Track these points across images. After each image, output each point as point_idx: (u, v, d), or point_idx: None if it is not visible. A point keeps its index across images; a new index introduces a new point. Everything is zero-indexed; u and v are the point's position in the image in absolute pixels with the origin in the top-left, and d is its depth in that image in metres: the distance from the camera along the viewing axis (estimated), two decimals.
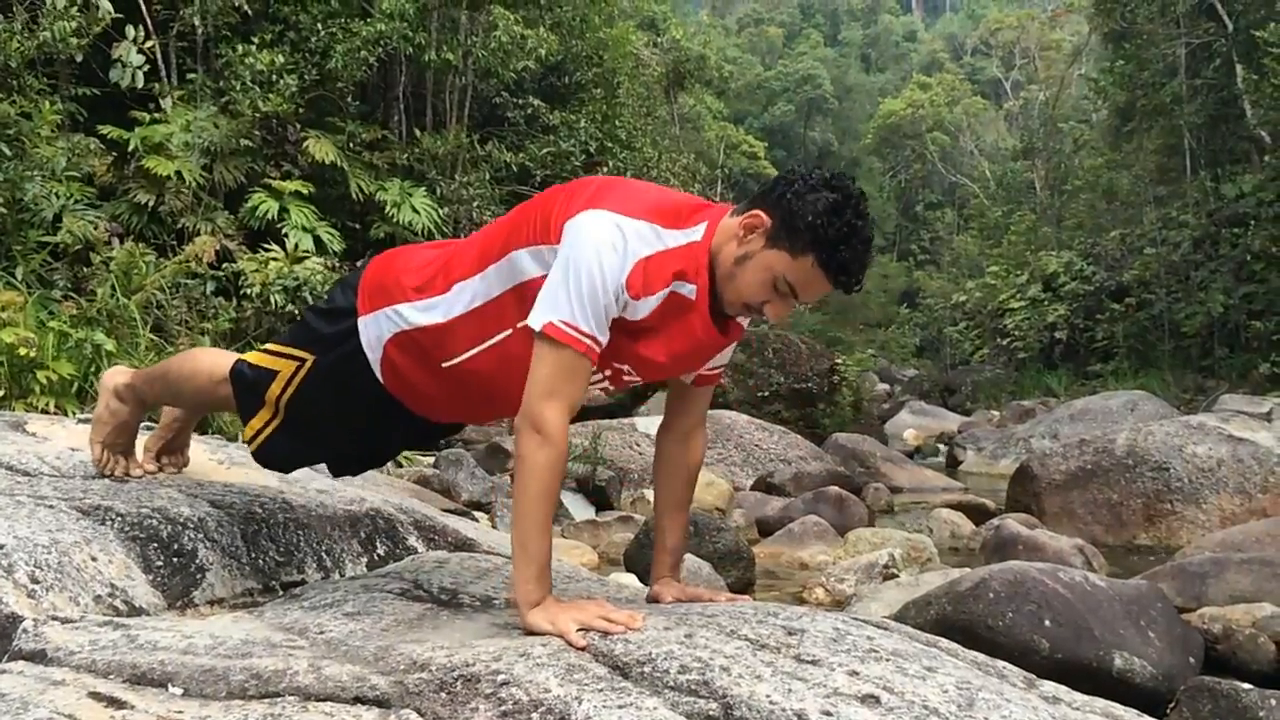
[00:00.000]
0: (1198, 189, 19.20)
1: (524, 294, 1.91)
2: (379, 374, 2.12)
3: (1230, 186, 18.38)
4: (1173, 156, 20.40)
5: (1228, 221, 18.13)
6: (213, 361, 2.36)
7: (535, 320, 1.82)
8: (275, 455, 2.33)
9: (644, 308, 1.86)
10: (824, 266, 1.81)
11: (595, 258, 1.79)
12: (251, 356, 2.26)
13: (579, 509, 7.28)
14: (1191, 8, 19.35)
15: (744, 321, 2.05)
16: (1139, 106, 20.88)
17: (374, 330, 2.09)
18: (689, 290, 1.87)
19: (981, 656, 1.91)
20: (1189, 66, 19.49)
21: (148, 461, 2.64)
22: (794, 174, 1.87)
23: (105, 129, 9.63)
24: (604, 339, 1.83)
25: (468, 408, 2.23)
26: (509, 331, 1.95)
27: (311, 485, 2.90)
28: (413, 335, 2.05)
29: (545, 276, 1.86)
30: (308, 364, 2.17)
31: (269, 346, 2.26)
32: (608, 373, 1.99)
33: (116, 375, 2.56)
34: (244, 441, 2.30)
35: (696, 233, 1.89)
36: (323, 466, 2.55)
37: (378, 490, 3.27)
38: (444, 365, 2.02)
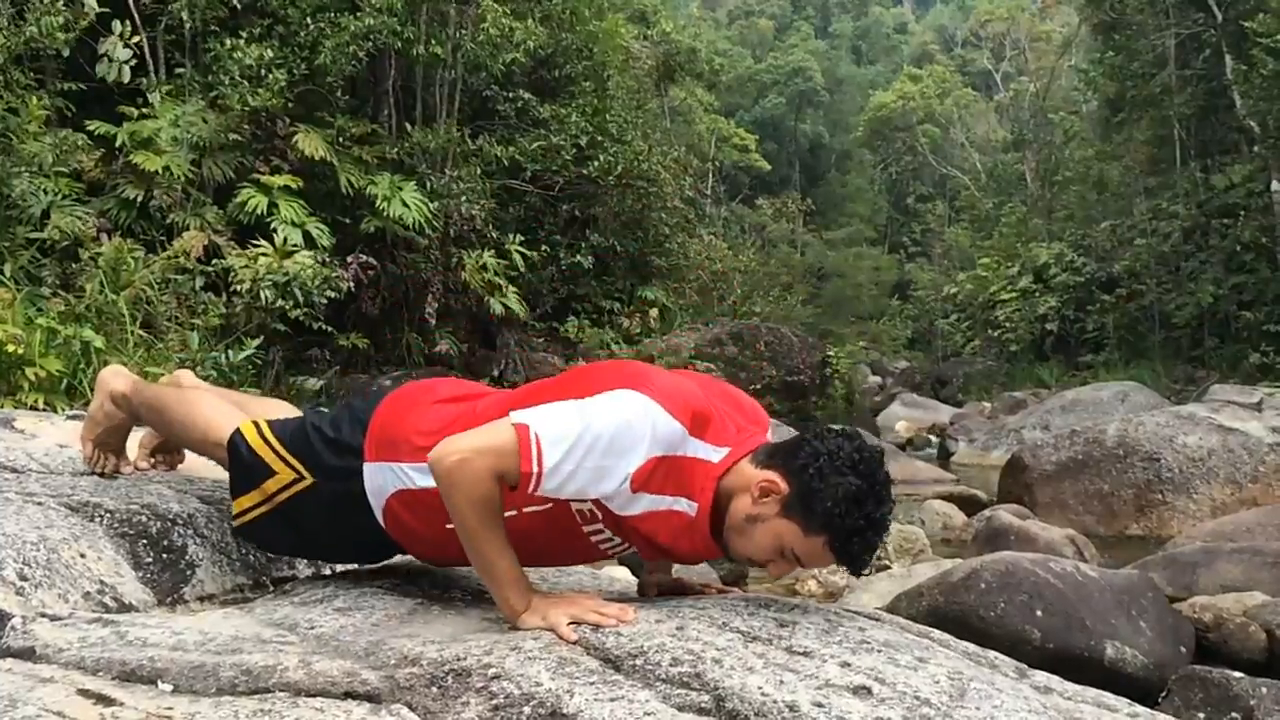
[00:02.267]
0: (1188, 180, 19.24)
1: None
2: (380, 520, 2.07)
3: (1220, 177, 18.44)
4: (1163, 147, 20.43)
5: (1218, 212, 18.18)
6: (211, 420, 2.26)
7: (518, 415, 1.77)
8: (261, 538, 2.30)
9: (638, 505, 1.80)
10: (834, 551, 1.76)
11: (614, 430, 1.73)
12: (250, 434, 2.16)
13: None
14: None
15: None
16: (1129, 98, 20.91)
17: (379, 480, 2.04)
18: (688, 508, 1.82)
19: (973, 647, 1.91)
20: (1178, 57, 19.51)
21: (140, 459, 2.63)
22: (821, 443, 1.78)
23: (93, 124, 9.57)
24: (555, 494, 1.77)
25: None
26: (514, 513, 1.86)
27: None
28: (418, 495, 1.98)
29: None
30: (307, 483, 2.11)
31: (269, 437, 2.16)
32: (620, 539, 1.94)
33: (116, 380, 2.49)
34: (230, 516, 2.23)
35: (715, 454, 1.83)
36: None
37: None
38: (448, 527, 1.88)
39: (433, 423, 1.99)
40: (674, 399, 1.80)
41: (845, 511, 1.71)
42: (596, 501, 1.83)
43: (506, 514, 1.82)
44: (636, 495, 1.79)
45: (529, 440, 1.72)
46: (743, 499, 1.79)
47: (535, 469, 1.72)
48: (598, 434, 1.73)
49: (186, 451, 2.74)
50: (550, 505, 1.86)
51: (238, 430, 2.18)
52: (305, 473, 2.11)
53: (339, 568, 2.54)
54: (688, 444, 1.80)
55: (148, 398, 2.44)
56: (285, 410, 2.45)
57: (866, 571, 1.84)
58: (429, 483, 1.88)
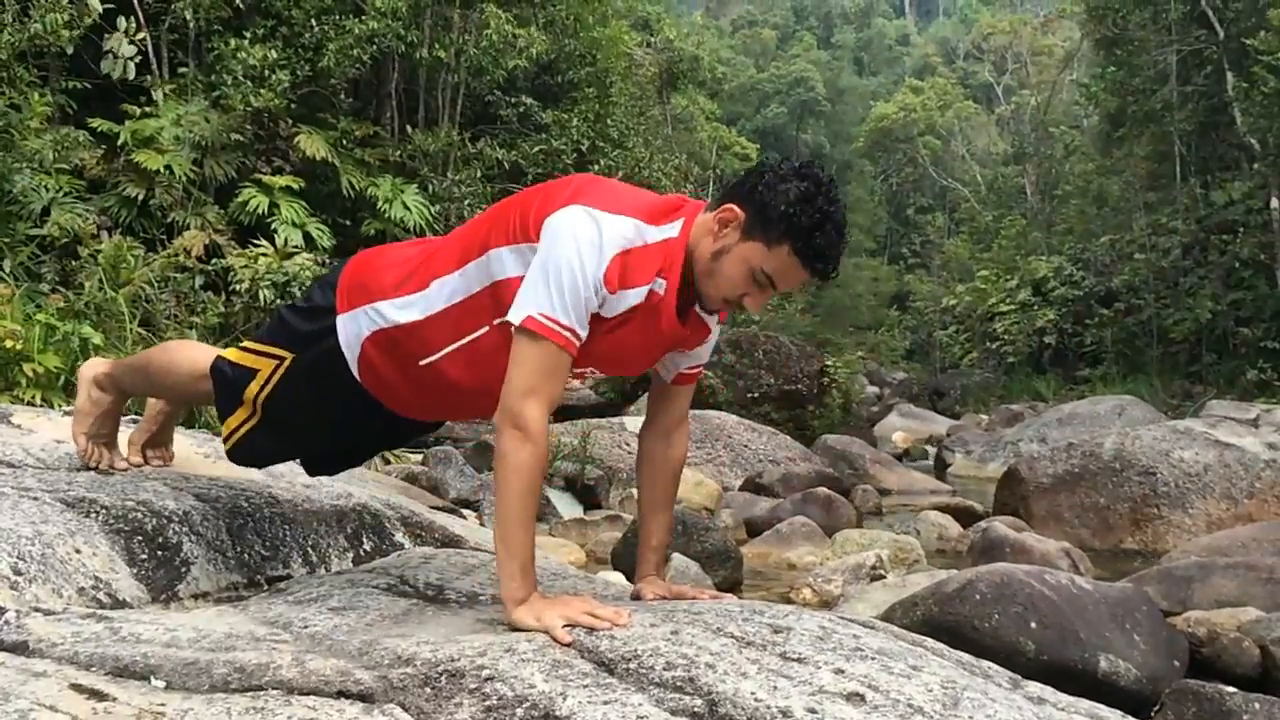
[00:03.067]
0: (1187, 196, 19.28)
1: (500, 292, 1.91)
2: (356, 372, 2.11)
3: (1220, 194, 18.47)
4: (1163, 163, 20.47)
5: (1217, 228, 18.21)
6: (192, 356, 2.34)
7: (515, 314, 1.82)
8: (250, 453, 2.32)
9: (621, 303, 1.86)
10: (799, 254, 1.83)
11: (575, 252, 1.79)
12: (231, 354, 2.24)
13: (567, 507, 7.27)
14: (1183, 15, 19.43)
15: (711, 321, 2.05)
16: (1130, 113, 20.95)
17: (352, 328, 2.08)
18: (660, 286, 1.88)
19: (967, 657, 1.91)
20: (1180, 73, 19.56)
21: (133, 454, 2.63)
22: (764, 165, 1.89)
23: (95, 122, 9.59)
24: (584, 332, 1.83)
25: (445, 406, 2.23)
26: (485, 329, 1.95)
27: (298, 480, 2.89)
28: (390, 333, 2.04)
29: (523, 275, 1.86)
30: (286, 362, 2.15)
31: (247, 344, 2.24)
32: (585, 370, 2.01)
33: (95, 365, 2.55)
34: (220, 439, 2.28)
35: (674, 229, 1.89)
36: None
37: (365, 486, 3.25)
38: (421, 363, 2.01)
39: (399, 261, 2.08)
40: (609, 200, 1.87)
41: (799, 211, 1.80)
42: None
43: (477, 332, 1.93)
44: (618, 294, 1.85)
45: (544, 326, 1.79)
46: (705, 242, 1.88)
47: (567, 335, 1.80)
48: (570, 267, 1.79)
49: (180, 447, 2.75)
50: (485, 330, 1.95)
51: (218, 355, 2.26)
52: (283, 353, 2.16)
53: (333, 567, 2.54)
54: (644, 231, 1.87)
55: (129, 364, 2.51)
56: None
57: (834, 272, 1.88)
58: (401, 318, 2.00)
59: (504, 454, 1.82)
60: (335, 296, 2.12)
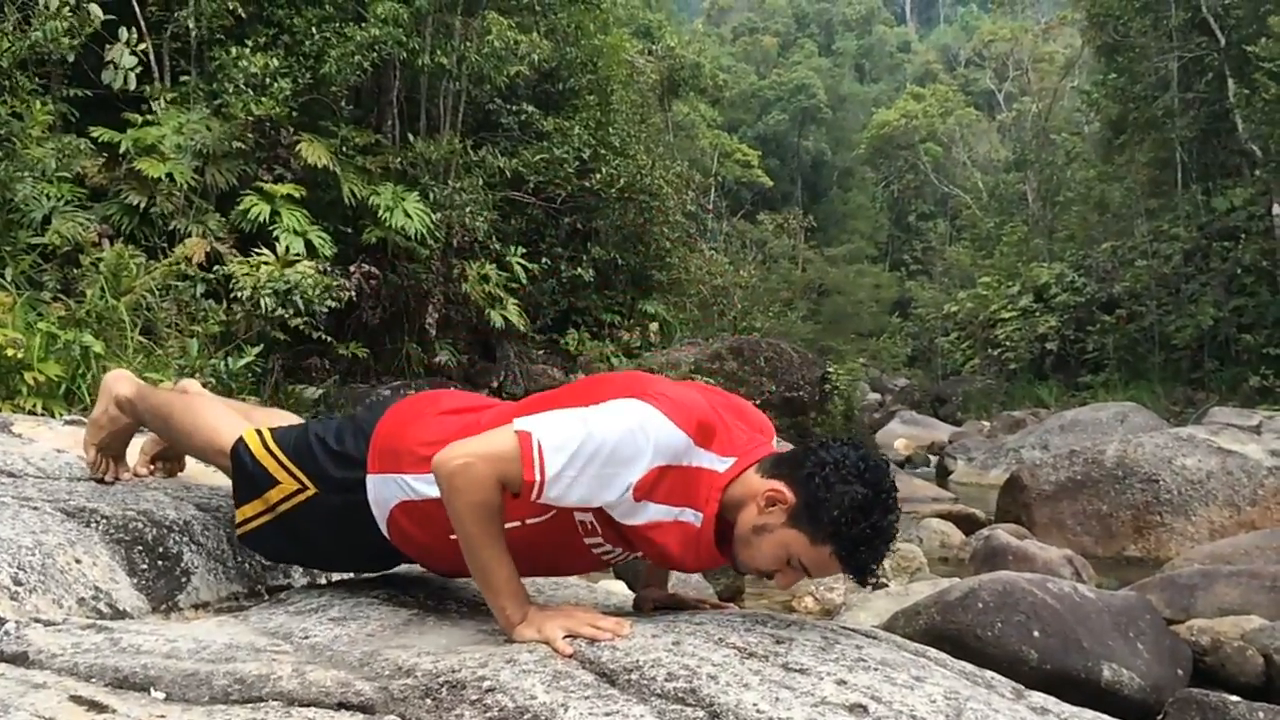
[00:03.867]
0: (1189, 202, 19.28)
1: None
2: (385, 532, 2.07)
3: (1221, 200, 18.47)
4: (1164, 170, 20.48)
5: (1218, 235, 18.21)
6: (215, 427, 2.26)
7: (521, 423, 1.76)
8: (263, 548, 2.29)
9: (639, 514, 1.80)
10: (841, 560, 1.76)
11: (617, 439, 1.73)
12: (254, 446, 2.16)
13: None
14: (1184, 22, 19.45)
15: None
16: (1131, 119, 20.96)
17: (382, 491, 2.03)
18: (694, 518, 1.82)
19: (970, 666, 1.90)
20: (1181, 80, 19.57)
21: (140, 464, 2.63)
22: (827, 452, 1.78)
23: (97, 130, 9.59)
24: (557, 503, 1.77)
25: None
26: (518, 524, 1.86)
27: None
28: (421, 506, 1.98)
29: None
30: (310, 493, 2.10)
31: (273, 447, 2.16)
32: (620, 549, 1.95)
33: (121, 384, 2.49)
34: (234, 523, 2.23)
35: (721, 465, 1.82)
36: None
37: None
38: (451, 538, 1.87)
39: (436, 433, 1.98)
40: (679, 409, 1.80)
41: (851, 520, 1.71)
42: (599, 512, 1.82)
43: (509, 525, 1.82)
44: (640, 505, 1.78)
45: (531, 448, 1.72)
46: (749, 510, 1.79)
47: (537, 477, 1.71)
48: (600, 443, 1.72)
49: (186, 459, 2.74)
50: (551, 515, 1.86)
51: (241, 439, 2.18)
52: (308, 483, 2.10)
53: (335, 577, 2.53)
54: (693, 454, 1.80)
55: (152, 404, 2.43)
56: (288, 419, 2.45)
57: (872, 581, 1.81)
58: (433, 493, 1.87)
59: (453, 489, 1.75)
60: (368, 451, 2.06)
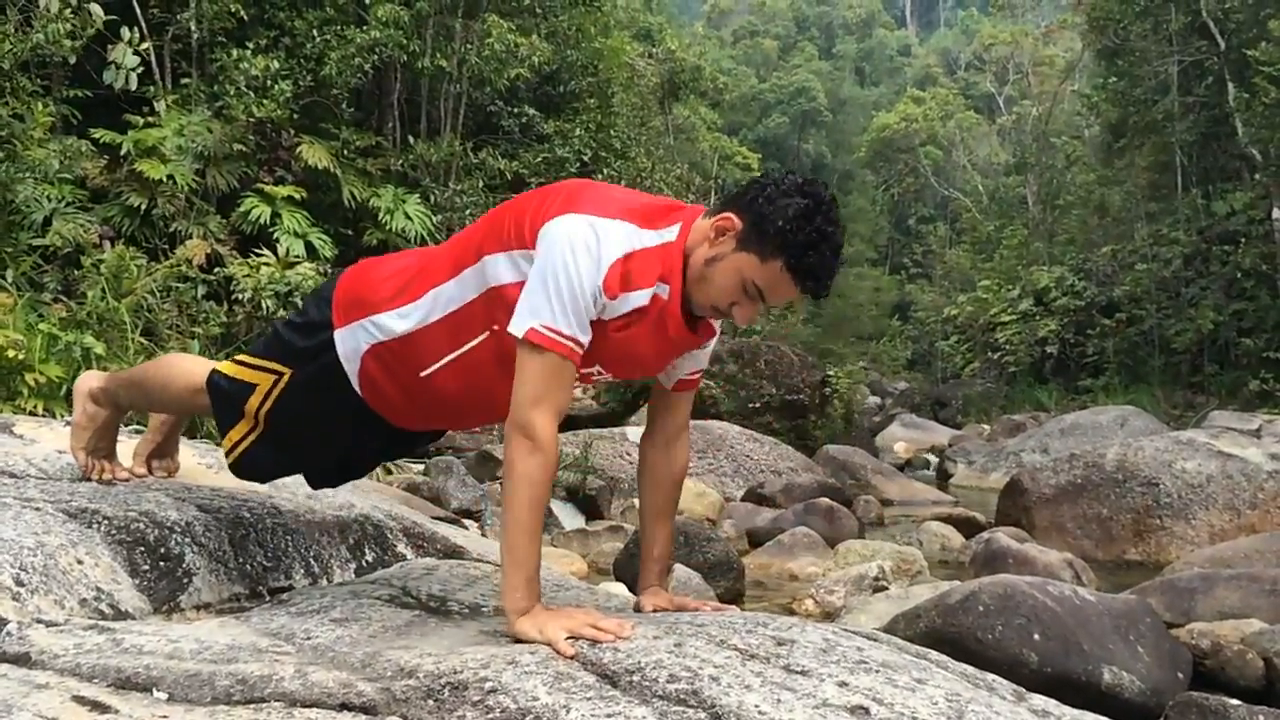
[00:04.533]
0: (1189, 206, 19.29)
1: (495, 299, 1.91)
2: (357, 386, 2.10)
3: (1221, 204, 18.48)
4: (1164, 173, 20.49)
5: (1218, 239, 18.22)
6: (188, 370, 2.33)
7: (517, 327, 1.81)
8: (254, 466, 2.30)
9: (622, 306, 1.85)
10: (792, 271, 1.81)
11: (571, 260, 1.79)
12: (226, 367, 2.23)
13: (569, 518, 7.26)
14: (1184, 26, 19.46)
15: (715, 323, 2.05)
16: (1131, 123, 20.98)
17: (350, 343, 2.08)
18: (664, 291, 1.87)
19: (971, 669, 1.90)
20: (1181, 84, 19.59)
21: (137, 466, 2.63)
22: (767, 177, 1.87)
23: (98, 132, 9.61)
24: (586, 340, 1.83)
25: (447, 416, 2.23)
26: (482, 336, 1.95)
27: (300, 491, 2.88)
28: (389, 345, 2.03)
29: (519, 282, 1.85)
30: (285, 377, 2.14)
31: (243, 358, 2.22)
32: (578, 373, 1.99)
33: (90, 379, 2.54)
34: (223, 452, 2.27)
35: (671, 233, 1.89)
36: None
37: (367, 497, 3.25)
38: (421, 375, 2.00)
39: (393, 272, 2.07)
40: (605, 205, 1.86)
41: (796, 228, 1.78)
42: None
43: (474, 340, 1.93)
44: (619, 299, 1.84)
45: (547, 337, 1.79)
46: (700, 248, 1.86)
47: (568, 344, 1.79)
48: (568, 276, 1.78)
49: (183, 458, 2.74)
50: (483, 338, 1.94)
51: (214, 369, 2.25)
52: (281, 368, 2.14)
53: (335, 578, 2.53)
54: (641, 235, 1.86)
55: (123, 378, 2.48)
56: None
57: (824, 292, 1.85)
58: (399, 327, 1.99)
59: (512, 463, 1.82)
60: (332, 311, 2.11)
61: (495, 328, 1.91)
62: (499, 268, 1.91)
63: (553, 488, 1.85)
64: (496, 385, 1.88)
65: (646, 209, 1.91)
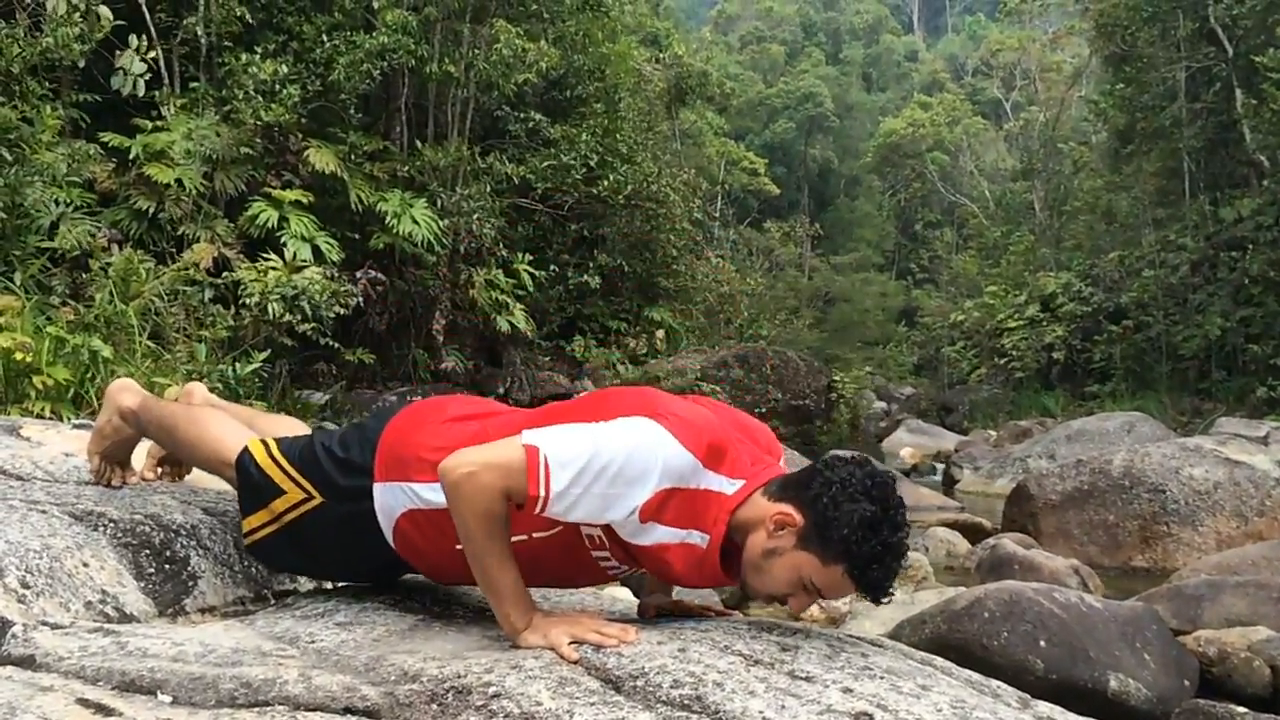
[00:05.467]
0: (1196, 212, 19.25)
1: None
2: (391, 541, 2.06)
3: (1229, 210, 18.43)
4: (1172, 179, 20.44)
5: (1226, 245, 18.17)
6: (221, 439, 2.24)
7: (530, 436, 1.76)
8: (271, 557, 2.28)
9: (646, 535, 1.79)
10: (853, 579, 1.74)
11: (625, 458, 1.72)
12: (258, 453, 2.16)
13: None
14: (1192, 32, 19.43)
15: None
16: (1139, 129, 20.94)
17: (388, 499, 2.02)
18: (700, 540, 1.81)
19: (976, 675, 1.90)
20: (1189, 90, 19.56)
21: (148, 468, 2.63)
22: (833, 471, 1.77)
23: (107, 136, 9.64)
24: (562, 518, 1.77)
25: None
26: (525, 538, 1.86)
27: None
28: (427, 514, 1.97)
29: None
30: (316, 503, 2.10)
31: (278, 457, 2.15)
32: (625, 565, 1.95)
33: (125, 395, 2.48)
34: (241, 533, 2.23)
35: (729, 487, 1.82)
36: None
37: None
38: (458, 548, 1.87)
39: (444, 440, 1.97)
40: (689, 429, 1.78)
41: (861, 538, 1.70)
42: (606, 528, 1.82)
43: (516, 538, 1.82)
44: (646, 525, 1.77)
45: (537, 463, 1.72)
46: (758, 534, 1.78)
47: (542, 492, 1.71)
48: (608, 461, 1.71)
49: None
50: (559, 529, 1.86)
51: (246, 449, 2.17)
52: (314, 493, 2.10)
53: (341, 581, 2.54)
54: (701, 476, 1.79)
55: (156, 415, 2.42)
56: (294, 427, 2.45)
57: (886, 599, 1.79)
58: (440, 501, 1.87)
59: (458, 497, 1.76)
60: (374, 459, 2.05)
61: (536, 534, 1.86)
62: None
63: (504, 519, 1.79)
64: (532, 574, 1.85)
65: (720, 446, 1.82)
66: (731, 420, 1.95)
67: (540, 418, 1.94)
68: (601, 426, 1.78)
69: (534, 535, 1.86)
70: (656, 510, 1.76)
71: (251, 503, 2.16)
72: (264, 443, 2.19)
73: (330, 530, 2.11)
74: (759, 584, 1.82)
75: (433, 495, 1.92)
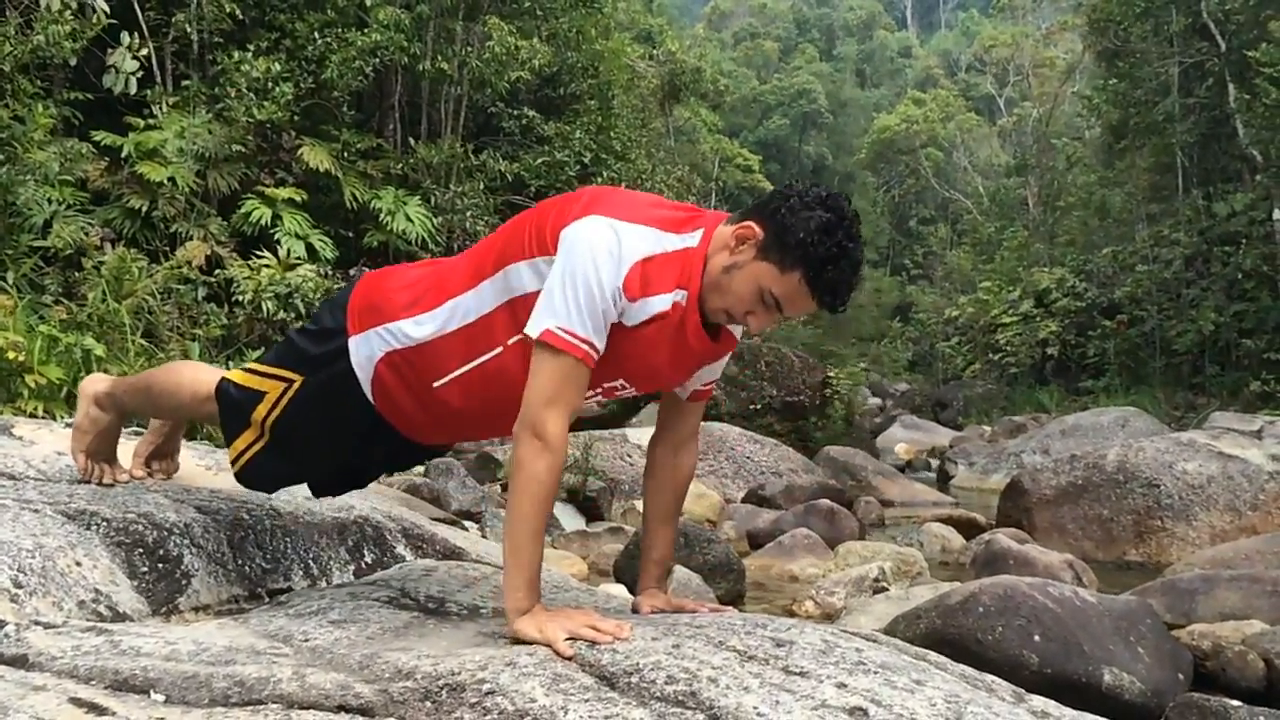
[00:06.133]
0: (1190, 207, 19.28)
1: (517, 309, 1.90)
2: (369, 394, 2.09)
3: (1222, 205, 18.46)
4: (1165, 175, 20.47)
5: (1219, 240, 18.20)
6: (196, 378, 2.31)
7: (533, 328, 1.81)
8: (259, 476, 2.29)
9: (642, 311, 1.85)
10: (810, 284, 1.81)
11: (591, 262, 1.78)
12: (236, 375, 2.22)
13: (569, 519, 7.26)
14: (1185, 27, 19.45)
15: (736, 331, 2.04)
16: (1132, 124, 20.96)
17: (365, 350, 2.06)
18: (683, 298, 1.86)
19: (970, 670, 1.90)
20: (1182, 85, 19.58)
21: (136, 468, 2.62)
22: (791, 189, 1.86)
23: (99, 134, 9.61)
24: (601, 344, 1.82)
25: (459, 428, 2.21)
26: (500, 348, 1.94)
27: (299, 492, 2.88)
28: (404, 354, 2.02)
29: (540, 290, 1.84)
30: (295, 385, 2.13)
31: (253, 366, 2.22)
32: (600, 388, 1.99)
33: (96, 383, 2.52)
34: (229, 462, 2.26)
35: (693, 239, 1.88)
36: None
37: (366, 498, 3.25)
38: (435, 385, 1.99)
39: (410, 281, 2.07)
40: (626, 209, 1.86)
41: (817, 241, 1.77)
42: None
43: (493, 351, 1.92)
44: (639, 303, 1.83)
45: (562, 339, 1.78)
46: (720, 255, 1.86)
47: (584, 347, 1.79)
48: (586, 278, 1.78)
49: (181, 460, 2.74)
50: (500, 350, 1.94)
51: (223, 378, 2.24)
52: (292, 375, 2.14)
53: (334, 579, 2.53)
54: (662, 240, 1.86)
55: (130, 383, 2.47)
56: None
57: (842, 308, 1.85)
58: (417, 335, 1.98)
59: (521, 462, 1.81)
60: (346, 318, 2.09)
61: (513, 340, 1.91)
62: (521, 276, 1.90)
63: (559, 488, 1.85)
64: (514, 398, 1.86)
65: (669, 214, 1.91)
66: (671, 202, 2.03)
67: (484, 249, 2.00)
68: (561, 258, 1.82)
69: (509, 344, 1.92)
70: (641, 284, 1.82)
71: (233, 423, 2.20)
72: (243, 367, 2.26)
73: (310, 409, 2.13)
74: (719, 302, 1.87)
75: (411, 330, 2.00)
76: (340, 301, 2.15)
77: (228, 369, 2.33)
